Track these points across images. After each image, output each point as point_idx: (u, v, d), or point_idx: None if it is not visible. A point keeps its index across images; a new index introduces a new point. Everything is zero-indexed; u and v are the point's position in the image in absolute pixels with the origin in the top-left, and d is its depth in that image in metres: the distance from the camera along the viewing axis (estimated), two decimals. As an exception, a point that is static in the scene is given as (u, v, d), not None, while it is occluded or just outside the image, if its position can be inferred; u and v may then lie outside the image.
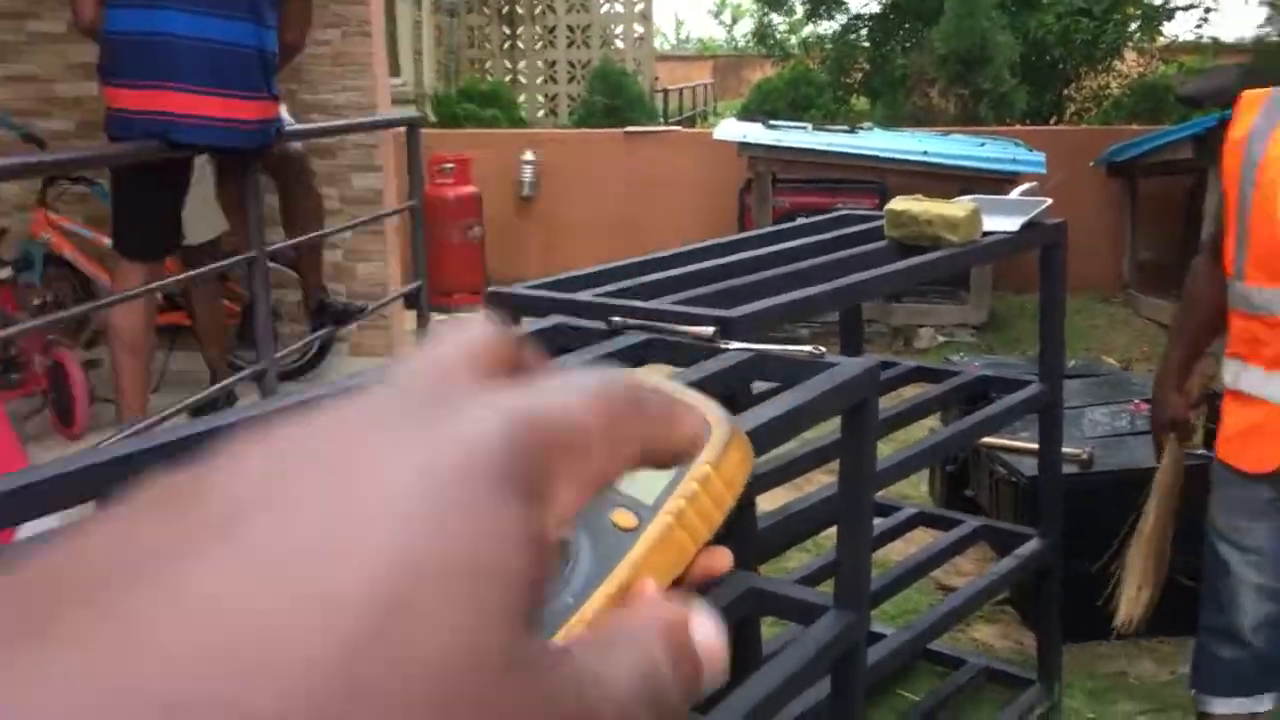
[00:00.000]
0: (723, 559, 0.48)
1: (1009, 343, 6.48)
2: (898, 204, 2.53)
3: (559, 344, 1.92)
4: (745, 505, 1.93)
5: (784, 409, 1.50)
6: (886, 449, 2.72)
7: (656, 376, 0.51)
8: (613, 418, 0.30)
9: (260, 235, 3.33)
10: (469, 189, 7.67)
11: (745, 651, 1.99)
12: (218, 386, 3.59)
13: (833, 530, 3.01)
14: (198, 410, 3.48)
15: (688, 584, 0.47)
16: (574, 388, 0.30)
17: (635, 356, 1.81)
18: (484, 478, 0.24)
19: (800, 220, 5.83)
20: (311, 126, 4.06)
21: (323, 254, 4.25)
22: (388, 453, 0.24)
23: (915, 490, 4.34)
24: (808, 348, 1.74)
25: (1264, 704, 2.31)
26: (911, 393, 3.07)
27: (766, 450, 1.63)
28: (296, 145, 3.87)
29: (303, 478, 0.23)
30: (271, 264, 3.82)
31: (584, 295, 2.05)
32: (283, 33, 3.37)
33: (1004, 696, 3.02)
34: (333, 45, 4.58)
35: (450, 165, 7.56)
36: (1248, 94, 2.32)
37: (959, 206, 2.51)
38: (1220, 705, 2.34)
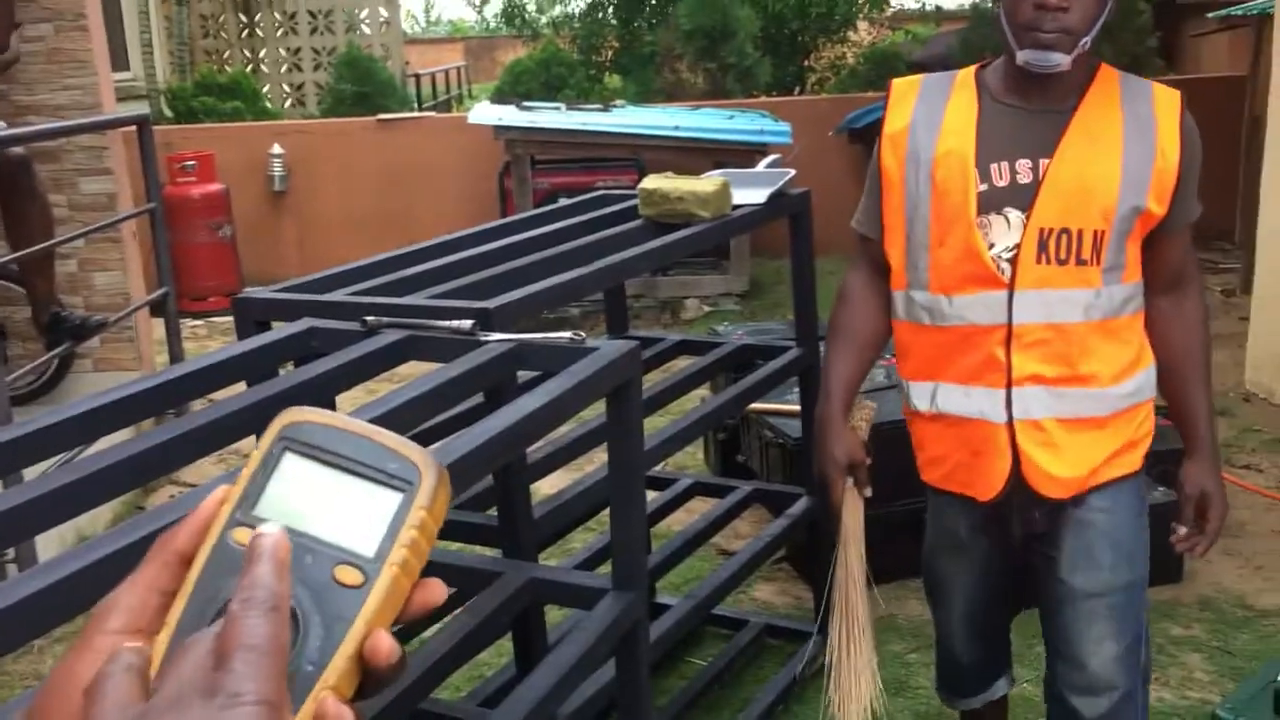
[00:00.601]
0: (437, 591, 0.47)
1: (770, 307, 6.71)
2: (650, 183, 2.57)
3: (312, 349, 1.85)
4: (521, 494, 1.92)
5: (547, 398, 1.49)
6: (661, 422, 2.77)
7: (358, 422, 0.50)
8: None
9: (-23, 251, 3.07)
10: (214, 186, 7.32)
11: (529, 642, 1.98)
12: (-58, 418, 3.29)
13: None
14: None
15: (406, 617, 0.47)
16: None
17: (394, 356, 1.76)
18: None
19: (562, 201, 5.86)
20: (28, 130, 3.76)
21: (54, 265, 3.95)
22: None
23: (692, 459, 4.44)
24: (568, 334, 1.74)
25: (999, 691, 2.39)
26: (681, 365, 3.13)
27: (534, 440, 1.63)
28: (16, 150, 3.58)
29: None
30: (-5, 280, 3.53)
31: (337, 295, 1.99)
32: (-17, 32, 3.11)
33: (787, 650, 3.14)
34: (46, 41, 4.26)
35: (191, 163, 7.18)
36: (897, 83, 2.05)
37: (709, 182, 2.56)
38: (961, 704, 2.43)
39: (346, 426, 0.49)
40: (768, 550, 2.85)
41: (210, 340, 6.61)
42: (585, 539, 3.53)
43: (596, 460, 3.18)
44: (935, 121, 1.96)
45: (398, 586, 0.46)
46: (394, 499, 0.47)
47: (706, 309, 6.77)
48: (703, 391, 4.14)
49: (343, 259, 3.42)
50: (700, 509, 3.34)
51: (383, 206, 7.94)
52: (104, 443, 1.63)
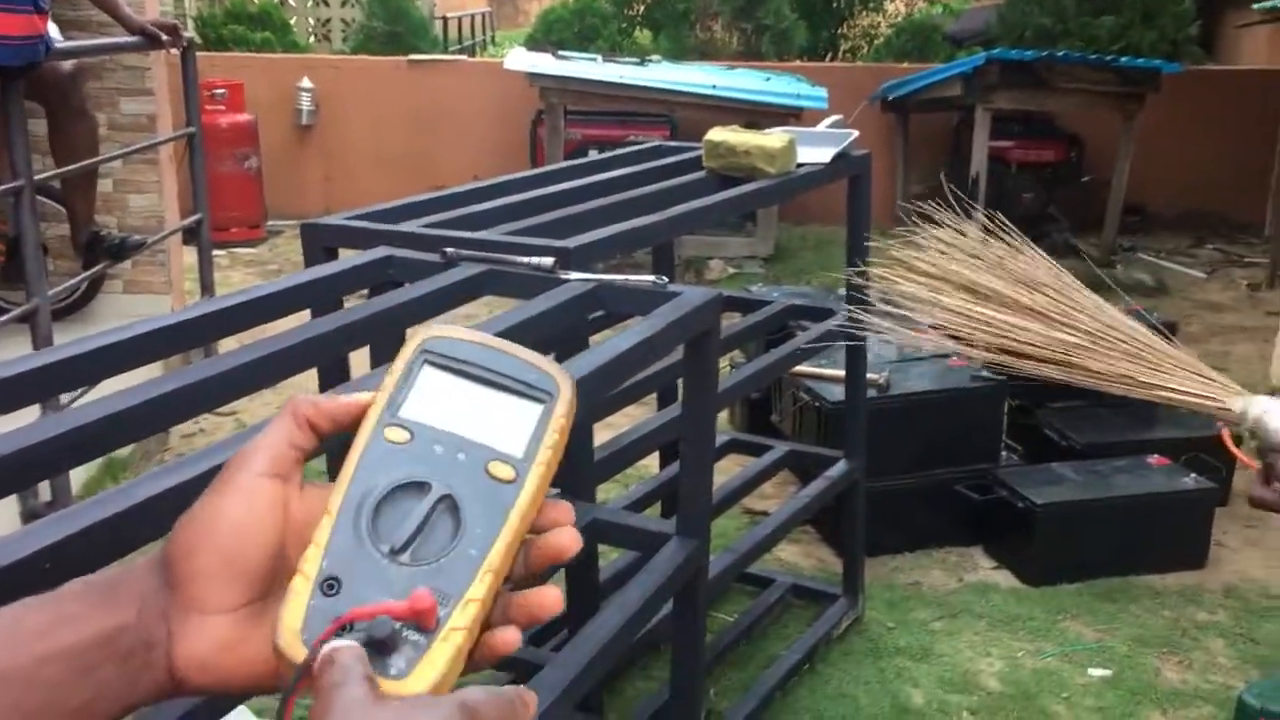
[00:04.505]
0: (566, 511, 0.52)
1: (795, 273, 6.70)
2: (716, 135, 2.55)
3: (387, 278, 1.85)
4: (584, 434, 1.92)
5: (638, 339, 1.49)
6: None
7: (496, 339, 0.54)
8: None
9: (28, 163, 3.04)
10: (243, 117, 7.27)
11: (584, 580, 1.99)
12: (-19, 329, 3.28)
13: (642, 461, 3.04)
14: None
15: (538, 527, 0.51)
16: None
17: (472, 288, 1.76)
18: None
19: (593, 153, 5.81)
20: (80, 44, 3.72)
21: (95, 185, 3.93)
22: None
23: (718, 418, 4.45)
24: (650, 277, 1.73)
25: None
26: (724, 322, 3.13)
27: (623, 380, 1.62)
28: (66, 66, 3.54)
29: None
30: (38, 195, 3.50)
31: (412, 226, 1.97)
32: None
33: (812, 611, 3.16)
34: (94, -44, 4.20)
35: (222, 91, 7.13)
36: None
37: (775, 138, 2.54)
38: None
39: (486, 342, 0.53)
40: (805, 510, 2.86)
41: (232, 271, 6.59)
42: (610, 490, 3.54)
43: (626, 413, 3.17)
44: None
45: (544, 484, 0.50)
46: (535, 408, 0.52)
47: (731, 270, 6.75)
48: (732, 353, 4.14)
49: (368, 196, 3.37)
50: (728, 468, 3.35)
51: (410, 147, 7.89)
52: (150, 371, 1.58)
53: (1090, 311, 1.32)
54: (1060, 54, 6.77)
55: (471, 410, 0.51)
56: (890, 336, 1.65)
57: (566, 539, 0.50)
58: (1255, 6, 7.67)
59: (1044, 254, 1.44)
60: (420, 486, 0.49)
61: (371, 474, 0.49)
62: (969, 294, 1.43)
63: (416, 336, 0.53)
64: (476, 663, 0.48)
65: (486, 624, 0.48)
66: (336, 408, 0.51)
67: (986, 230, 1.52)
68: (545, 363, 0.53)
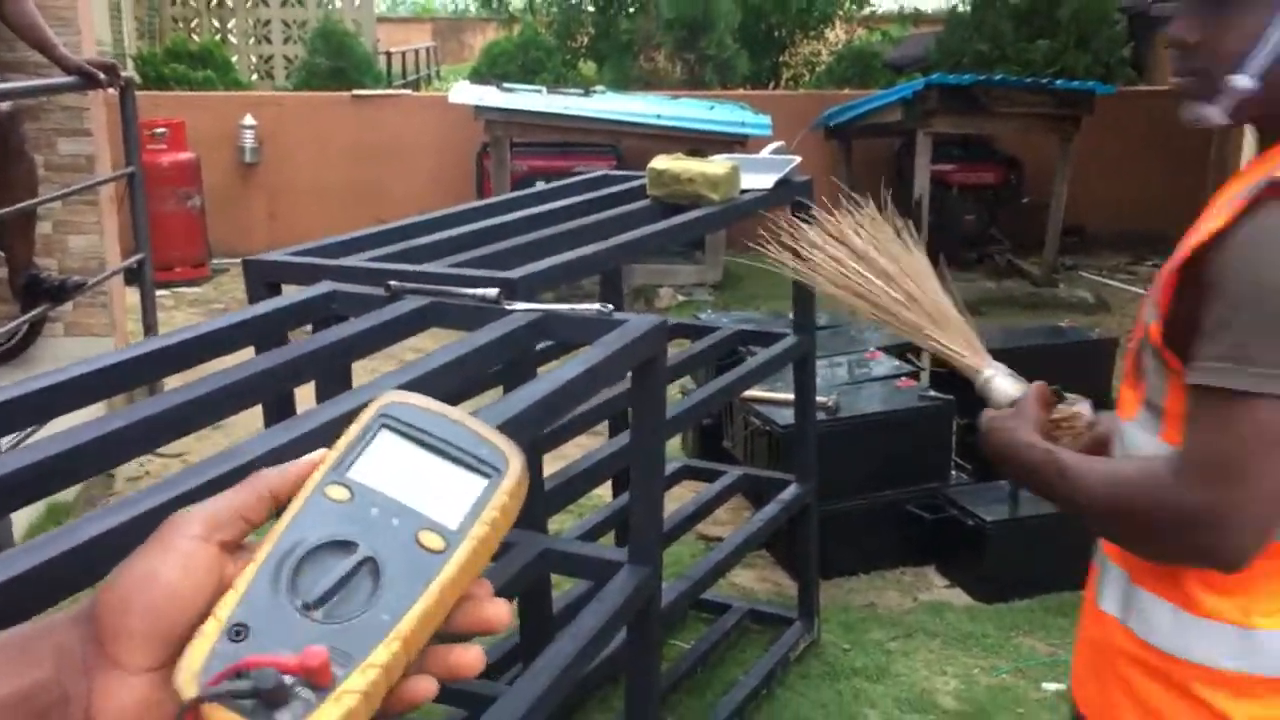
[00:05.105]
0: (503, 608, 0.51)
1: (744, 299, 6.74)
2: (659, 163, 2.57)
3: (330, 312, 1.84)
4: (535, 464, 1.92)
5: (583, 368, 1.49)
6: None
7: (454, 410, 0.55)
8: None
9: (-38, 206, 3.00)
10: (185, 155, 7.21)
11: (538, 612, 1.98)
12: (-83, 376, 3.22)
13: (596, 491, 3.04)
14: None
15: (468, 598, 0.50)
16: None
17: (417, 321, 1.75)
18: None
19: (540, 184, 5.83)
20: (17, 85, 3.67)
21: (35, 227, 3.88)
22: None
23: (669, 445, 4.45)
24: (595, 306, 1.73)
25: None
26: (671, 350, 3.14)
27: (568, 410, 1.62)
28: (3, 107, 3.50)
29: None
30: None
31: (355, 260, 1.97)
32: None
33: (768, 636, 3.16)
34: (30, -3, 4.16)
35: (163, 130, 7.07)
36: None
37: (719, 165, 2.57)
38: None
39: (444, 412, 0.54)
40: (758, 535, 2.86)
41: (177, 311, 6.51)
42: (562, 520, 3.53)
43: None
44: None
45: (476, 559, 0.50)
46: (480, 482, 0.52)
47: (681, 298, 6.78)
48: (683, 380, 4.15)
49: (313, 232, 3.36)
50: (681, 495, 3.35)
51: (355, 182, 7.87)
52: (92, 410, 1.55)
53: (917, 281, 1.64)
54: (998, 78, 6.90)
55: (417, 478, 0.51)
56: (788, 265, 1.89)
57: (496, 613, 0.50)
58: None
59: (909, 235, 1.72)
60: (346, 546, 0.49)
61: (304, 528, 0.50)
62: (846, 249, 1.73)
63: (378, 400, 0.53)
64: (387, 711, 0.47)
65: (403, 673, 0.48)
66: (298, 472, 0.52)
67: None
68: (499, 439, 0.53)
